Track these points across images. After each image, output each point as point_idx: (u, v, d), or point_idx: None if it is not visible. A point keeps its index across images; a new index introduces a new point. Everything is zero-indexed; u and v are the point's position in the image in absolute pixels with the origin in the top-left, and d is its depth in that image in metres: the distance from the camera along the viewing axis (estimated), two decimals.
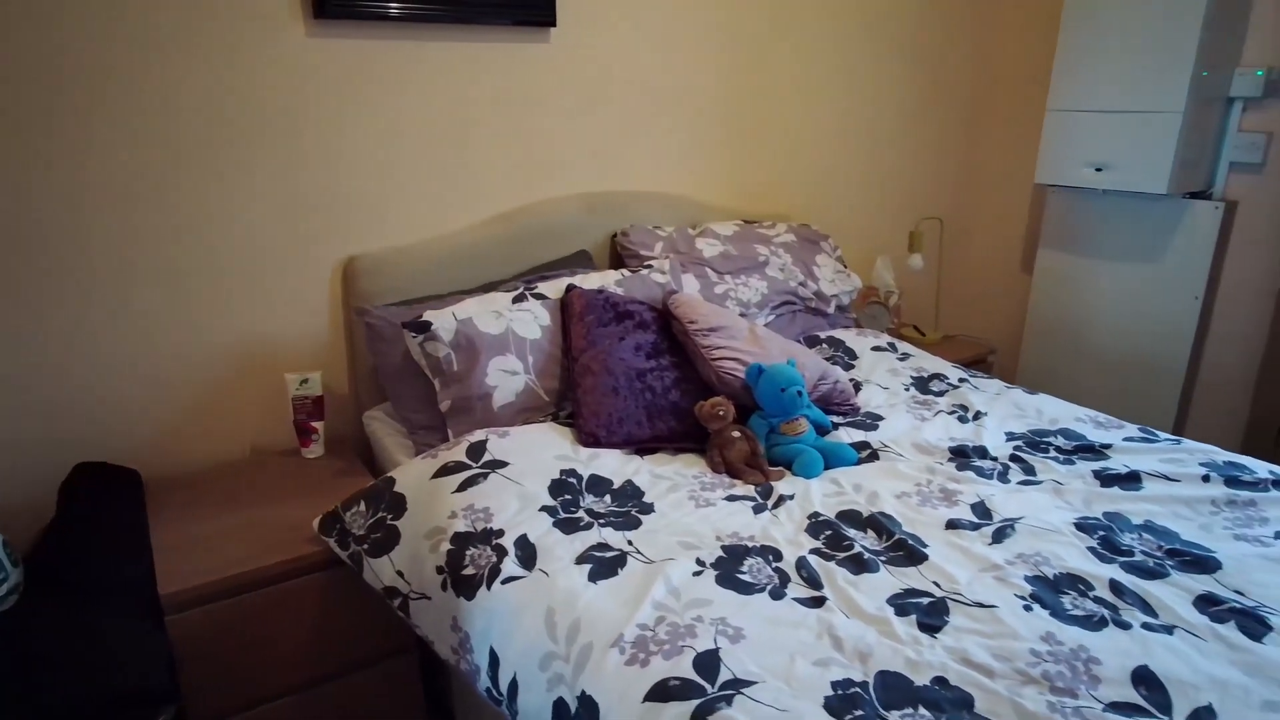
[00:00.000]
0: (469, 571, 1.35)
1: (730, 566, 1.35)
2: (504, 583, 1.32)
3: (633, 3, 2.28)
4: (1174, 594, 1.30)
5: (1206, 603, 1.27)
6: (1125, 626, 1.22)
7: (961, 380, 2.17)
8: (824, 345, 2.31)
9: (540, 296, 1.94)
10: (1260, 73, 2.55)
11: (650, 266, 2.17)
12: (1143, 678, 1.11)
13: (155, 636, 1.33)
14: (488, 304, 1.87)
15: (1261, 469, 1.68)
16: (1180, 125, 2.50)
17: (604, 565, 1.35)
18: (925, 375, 2.19)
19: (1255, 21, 2.55)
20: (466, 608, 1.32)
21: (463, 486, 1.53)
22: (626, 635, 1.18)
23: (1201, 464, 1.70)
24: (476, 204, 2.16)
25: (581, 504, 1.55)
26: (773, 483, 1.65)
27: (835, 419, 1.94)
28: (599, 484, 1.61)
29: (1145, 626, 1.22)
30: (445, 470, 1.57)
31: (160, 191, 1.73)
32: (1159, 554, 1.41)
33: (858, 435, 1.85)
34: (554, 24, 2.13)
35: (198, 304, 1.83)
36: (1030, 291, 3.15)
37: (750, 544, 1.42)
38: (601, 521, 1.49)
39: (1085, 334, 3.00)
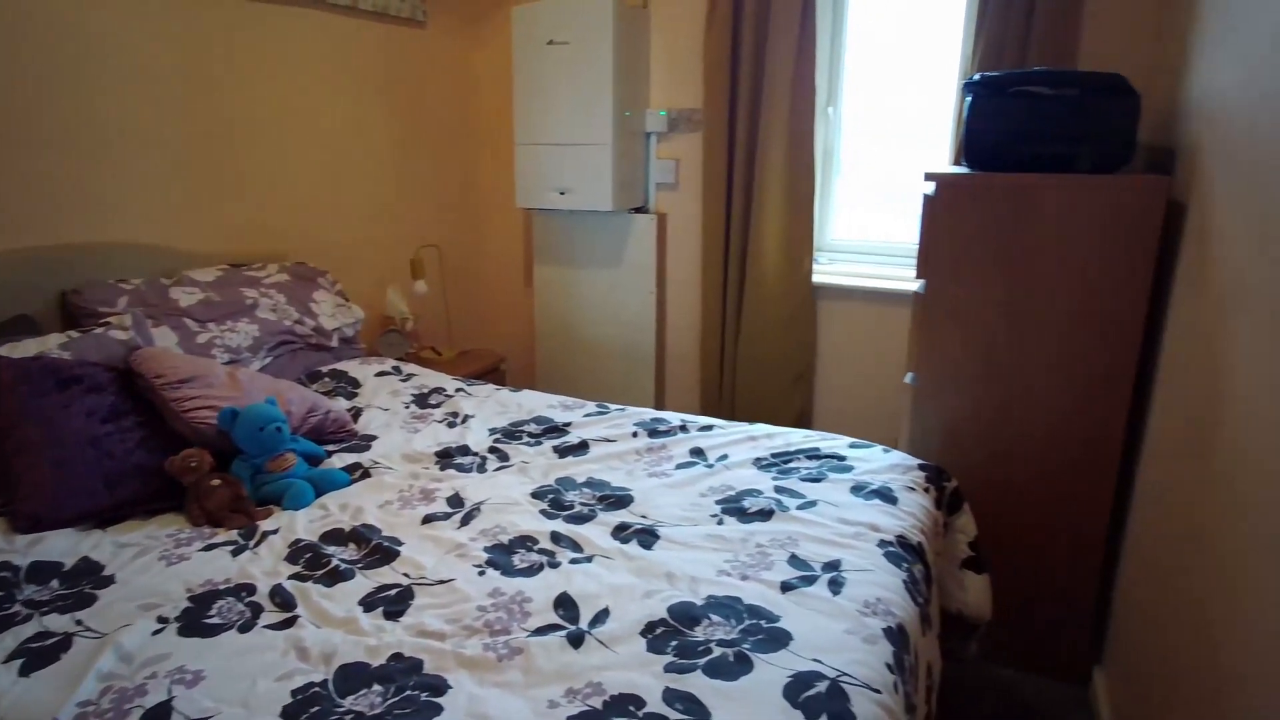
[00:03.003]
0: None
1: (197, 615, 1.34)
2: None
3: (82, 39, 2.06)
4: (598, 530, 1.62)
5: (619, 530, 1.62)
6: (556, 566, 1.49)
7: (458, 390, 2.39)
8: (326, 379, 2.36)
9: None
10: (663, 112, 3.24)
11: (108, 324, 1.99)
12: (561, 602, 1.38)
13: None
14: None
15: (675, 419, 2.16)
16: (612, 155, 3.06)
17: (41, 655, 1.23)
18: (426, 391, 2.37)
19: (654, 71, 3.23)
20: None
21: None
22: (61, 718, 1.10)
23: (635, 423, 2.13)
24: None
25: (19, 597, 1.38)
26: (259, 522, 1.65)
27: (331, 447, 2.00)
28: (43, 571, 1.45)
29: (572, 562, 1.50)
30: None
31: None
32: (593, 502, 1.74)
33: (351, 458, 1.93)
34: None
35: None
36: (533, 302, 3.57)
37: (223, 587, 1.42)
38: (44, 610, 1.35)
39: (580, 333, 3.50)
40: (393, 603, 1.38)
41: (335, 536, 1.59)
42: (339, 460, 1.93)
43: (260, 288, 2.42)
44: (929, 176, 2.08)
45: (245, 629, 1.30)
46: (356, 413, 2.20)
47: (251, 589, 1.41)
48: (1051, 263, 1.96)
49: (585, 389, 3.42)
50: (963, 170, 2.10)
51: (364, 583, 1.44)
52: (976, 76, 2.12)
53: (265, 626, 1.31)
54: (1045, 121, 2.00)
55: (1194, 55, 1.95)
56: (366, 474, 1.86)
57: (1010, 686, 2.16)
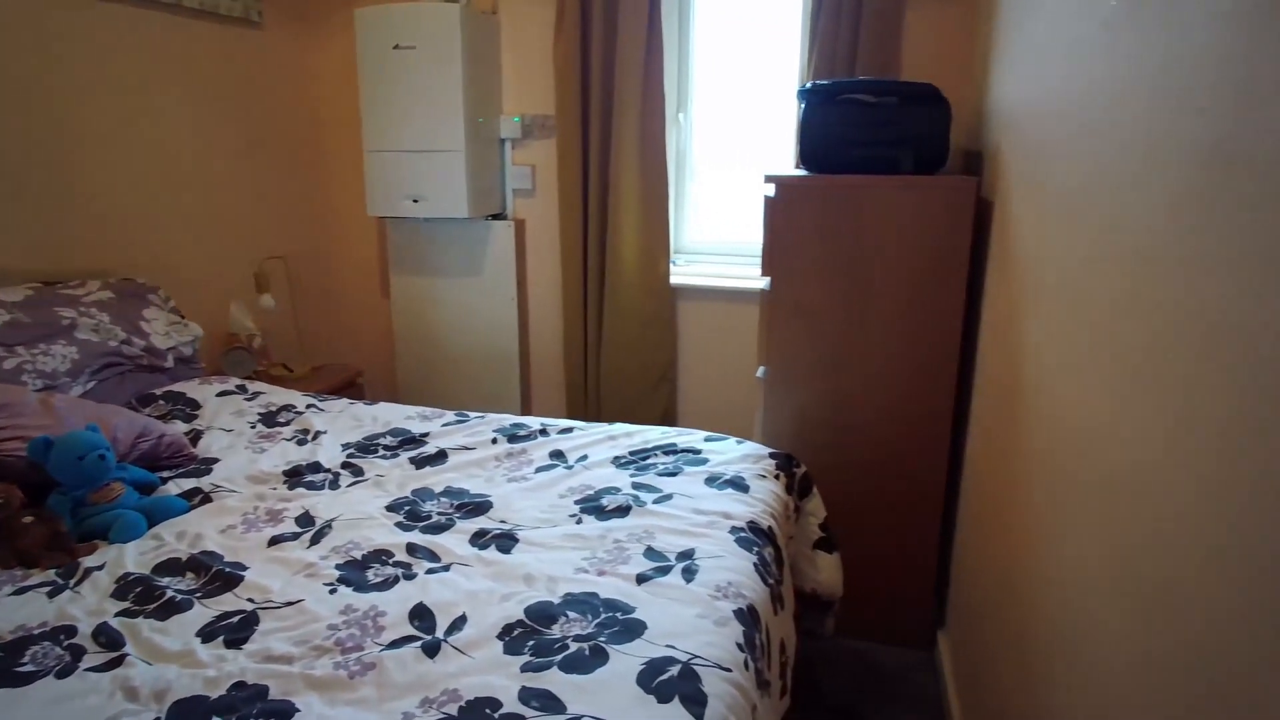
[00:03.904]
0: None
1: (7, 664, 1.22)
2: None
3: None
4: (455, 539, 1.60)
5: (478, 537, 1.60)
6: (412, 578, 1.46)
7: (309, 407, 2.29)
8: (161, 401, 2.21)
9: None
10: (517, 119, 3.23)
11: None
12: (417, 613, 1.35)
13: None
14: None
15: (535, 423, 2.17)
16: (466, 161, 3.03)
17: None
18: (274, 409, 2.26)
19: (507, 77, 3.22)
20: None
21: None
22: None
23: (494, 430, 2.12)
24: None
25: None
26: (81, 559, 1.52)
27: (166, 474, 1.87)
28: None
29: (429, 572, 1.48)
30: None
31: None
32: (450, 511, 1.72)
33: (190, 483, 1.82)
34: None
35: None
36: (391, 313, 3.47)
37: (38, 631, 1.30)
38: None
39: (442, 343, 3.43)
40: (235, 630, 1.31)
41: (170, 567, 1.49)
42: (175, 487, 1.81)
43: (79, 307, 2.23)
44: (769, 179, 2.19)
45: (64, 674, 1.20)
46: (196, 435, 2.07)
47: (72, 630, 1.30)
48: (881, 258, 2.10)
49: (449, 399, 3.36)
50: (800, 173, 2.22)
51: (203, 612, 1.36)
52: (809, 84, 2.25)
53: (88, 670, 1.22)
54: (869, 127, 2.15)
55: (994, 69, 2.15)
56: (207, 499, 1.76)
57: (863, 656, 2.30)
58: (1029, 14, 1.73)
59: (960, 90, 2.56)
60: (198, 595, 1.41)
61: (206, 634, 1.30)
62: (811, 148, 2.21)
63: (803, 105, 2.25)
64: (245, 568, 1.49)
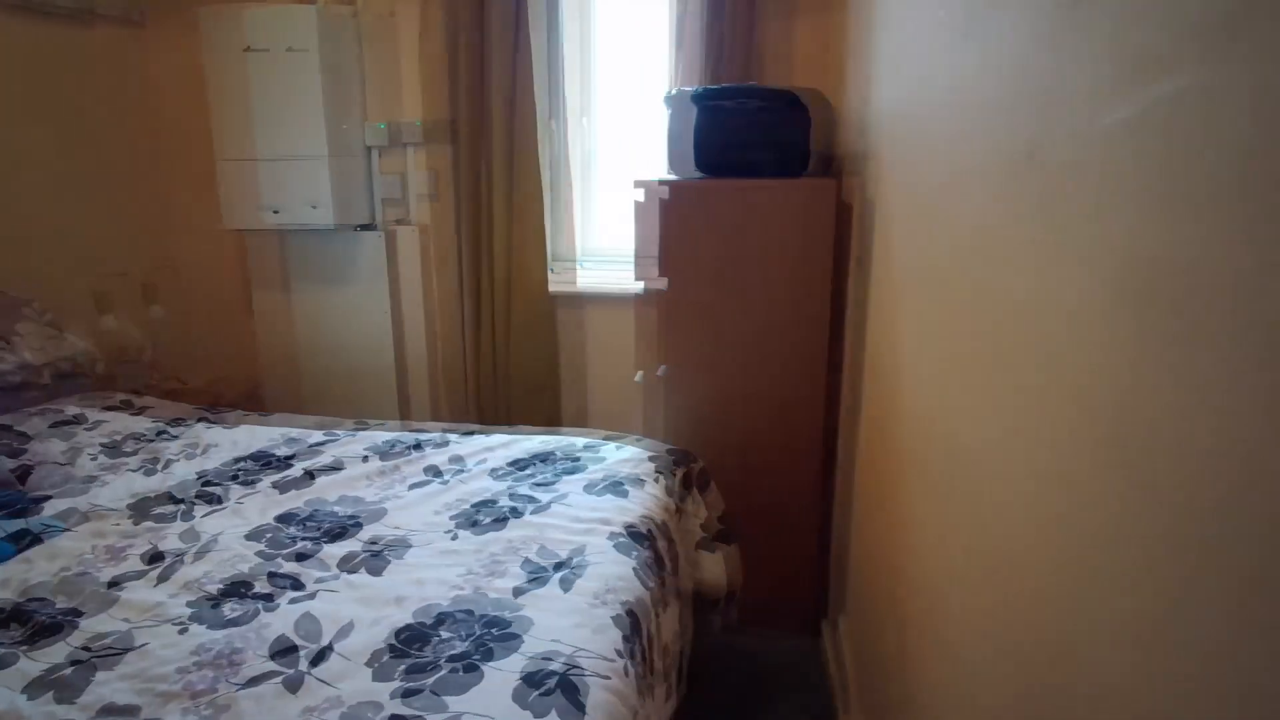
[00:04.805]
0: None
1: None
2: None
3: None
4: (321, 564, 1.52)
5: (346, 560, 1.53)
6: (274, 609, 1.37)
7: (159, 434, 2.13)
8: None
9: None
10: (382, 125, 3.12)
11: None
12: (278, 646, 1.27)
13: None
14: None
15: (410, 438, 2.09)
16: (328, 169, 2.90)
17: None
18: (119, 438, 2.09)
19: (371, 83, 3.10)
20: None
21: None
22: None
23: (366, 447, 2.03)
24: None
25: None
26: None
27: None
28: None
29: (292, 601, 1.40)
30: None
31: None
32: (317, 534, 1.63)
33: (16, 524, 1.65)
34: None
35: None
36: (255, 330, 3.28)
37: None
38: None
39: (313, 357, 3.27)
40: (67, 684, 1.19)
41: None
42: (2, 527, 1.63)
43: None
44: (638, 183, 2.21)
45: None
46: (24, 471, 1.88)
47: None
48: (746, 259, 2.15)
49: (322, 412, 3.19)
50: (670, 177, 2.25)
51: (29, 666, 1.23)
52: (673, 91, 2.28)
53: None
54: (731, 132, 2.20)
55: (850, 74, 2.25)
56: (37, 540, 1.60)
57: (751, 648, 2.34)
58: (885, 25, 1.82)
59: (812, 96, 2.66)
60: (22, 648, 1.27)
61: (33, 690, 1.18)
62: (676, 152, 2.24)
63: (668, 111, 2.28)
64: (81, 613, 1.36)
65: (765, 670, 2.26)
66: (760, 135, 2.20)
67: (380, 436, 2.10)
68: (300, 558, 1.54)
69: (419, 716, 1.10)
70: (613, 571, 1.46)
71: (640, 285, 2.27)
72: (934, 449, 1.15)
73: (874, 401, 1.74)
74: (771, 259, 2.14)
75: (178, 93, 3.17)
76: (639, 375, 2.32)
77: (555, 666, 1.19)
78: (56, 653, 1.26)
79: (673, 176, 2.26)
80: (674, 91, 2.28)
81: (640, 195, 2.20)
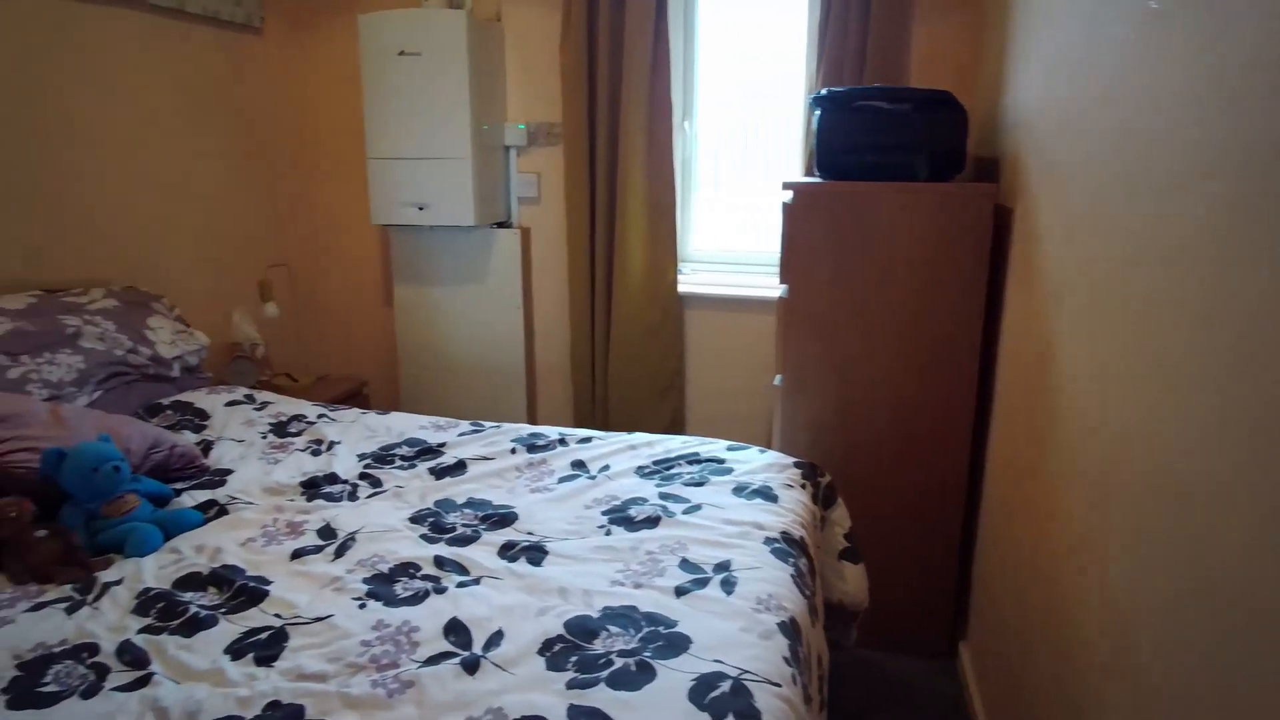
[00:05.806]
0: None
1: (30, 684, 1.17)
2: None
3: None
4: (483, 551, 1.56)
5: (506, 549, 1.57)
6: (442, 591, 1.42)
7: (320, 416, 2.25)
8: (169, 411, 2.15)
9: None
10: (521, 126, 3.21)
11: None
12: (452, 628, 1.31)
13: None
14: None
15: (553, 433, 2.13)
16: (472, 169, 3.00)
17: None
18: (284, 419, 2.21)
19: (511, 85, 3.20)
20: None
21: None
22: None
23: (512, 440, 2.08)
24: None
25: None
26: (97, 574, 1.47)
27: (180, 485, 1.82)
28: None
29: (459, 585, 1.44)
30: None
31: None
32: (475, 522, 1.68)
33: (204, 495, 1.77)
34: None
35: None
36: (394, 323, 3.42)
37: (59, 649, 1.25)
38: None
39: (446, 353, 3.39)
40: (264, 647, 1.27)
41: (192, 581, 1.45)
42: (189, 499, 1.76)
43: (84, 315, 2.18)
44: (787, 185, 2.18)
45: (89, 694, 1.16)
46: (206, 446, 2.02)
47: (94, 649, 1.26)
48: (896, 265, 2.09)
49: (454, 409, 3.30)
50: (815, 179, 2.21)
51: (229, 629, 1.32)
52: (824, 91, 2.24)
53: (114, 689, 1.17)
54: (885, 134, 2.15)
55: (1008, 73, 2.15)
56: (223, 511, 1.71)
57: (883, 666, 2.28)
58: (1048, 20, 1.73)
59: (971, 96, 2.56)
60: (222, 611, 1.36)
61: (235, 651, 1.26)
62: (827, 154, 2.20)
63: (817, 112, 2.24)
64: (269, 582, 1.44)
65: (895, 689, 2.19)
66: (915, 137, 2.14)
67: (524, 430, 2.15)
68: (461, 542, 1.59)
69: (596, 709, 1.11)
70: (772, 578, 1.44)
71: (783, 289, 2.24)
72: (1109, 471, 1.08)
73: (1029, 419, 1.65)
74: (918, 265, 2.07)
75: (336, 95, 3.34)
76: (778, 379, 2.29)
77: (727, 671, 1.18)
78: (252, 617, 1.35)
79: (816, 179, 2.22)
80: (823, 92, 2.24)
81: (788, 197, 2.17)
